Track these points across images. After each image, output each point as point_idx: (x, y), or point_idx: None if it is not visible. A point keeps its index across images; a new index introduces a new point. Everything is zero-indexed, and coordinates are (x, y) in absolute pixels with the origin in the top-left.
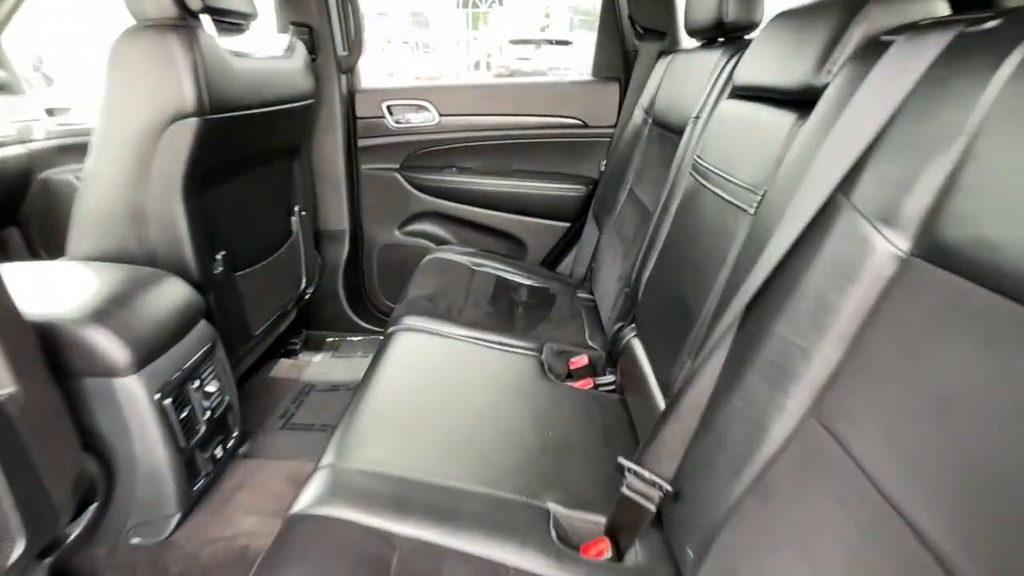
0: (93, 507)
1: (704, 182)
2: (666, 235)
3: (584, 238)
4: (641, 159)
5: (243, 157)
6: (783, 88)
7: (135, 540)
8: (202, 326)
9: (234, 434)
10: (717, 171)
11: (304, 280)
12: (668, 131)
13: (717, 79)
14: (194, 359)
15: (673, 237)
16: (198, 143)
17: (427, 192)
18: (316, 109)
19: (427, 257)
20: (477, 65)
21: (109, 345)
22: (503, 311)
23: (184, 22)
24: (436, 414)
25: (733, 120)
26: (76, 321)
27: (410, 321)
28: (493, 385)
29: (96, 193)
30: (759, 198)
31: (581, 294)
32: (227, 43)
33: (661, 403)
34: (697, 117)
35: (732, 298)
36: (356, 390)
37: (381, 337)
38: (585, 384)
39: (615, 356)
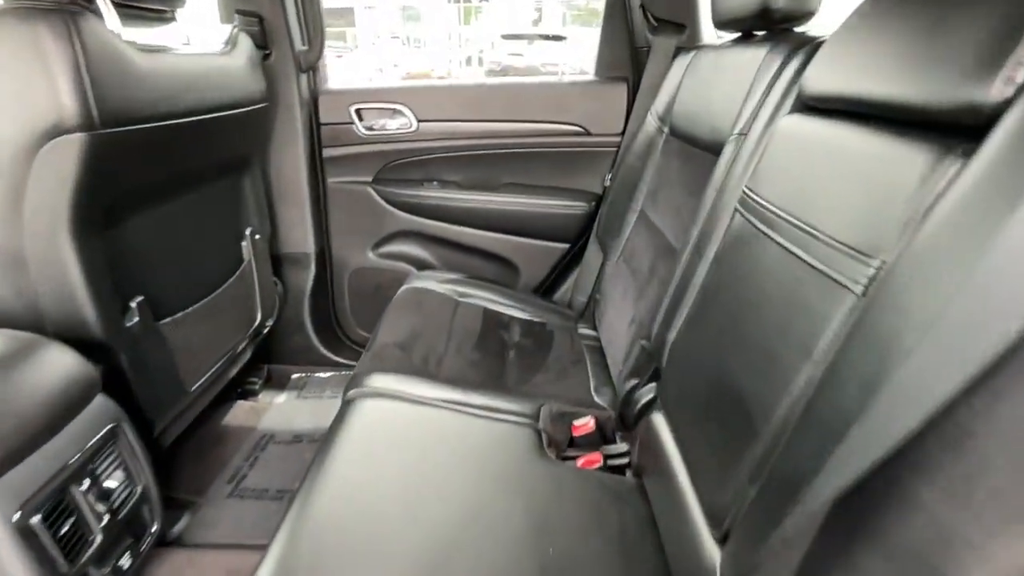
0: None
1: (763, 228)
2: (702, 286)
3: (585, 263)
4: (656, 176)
5: (168, 178)
6: (914, 106)
7: None
8: (98, 405)
9: (152, 529)
10: (788, 217)
11: (260, 313)
12: (694, 146)
13: (770, 86)
14: (83, 452)
15: (714, 292)
16: (87, 166)
17: (404, 209)
18: (271, 114)
19: (403, 287)
20: (469, 61)
21: None
22: (492, 357)
23: (63, 5)
24: (403, 527)
25: (807, 144)
26: None
27: (376, 381)
28: (478, 474)
29: None
30: (872, 271)
31: (583, 329)
32: (138, 35)
33: (698, 518)
34: (743, 134)
35: (831, 418)
36: (301, 488)
37: (353, 373)
38: (592, 460)
39: (628, 420)
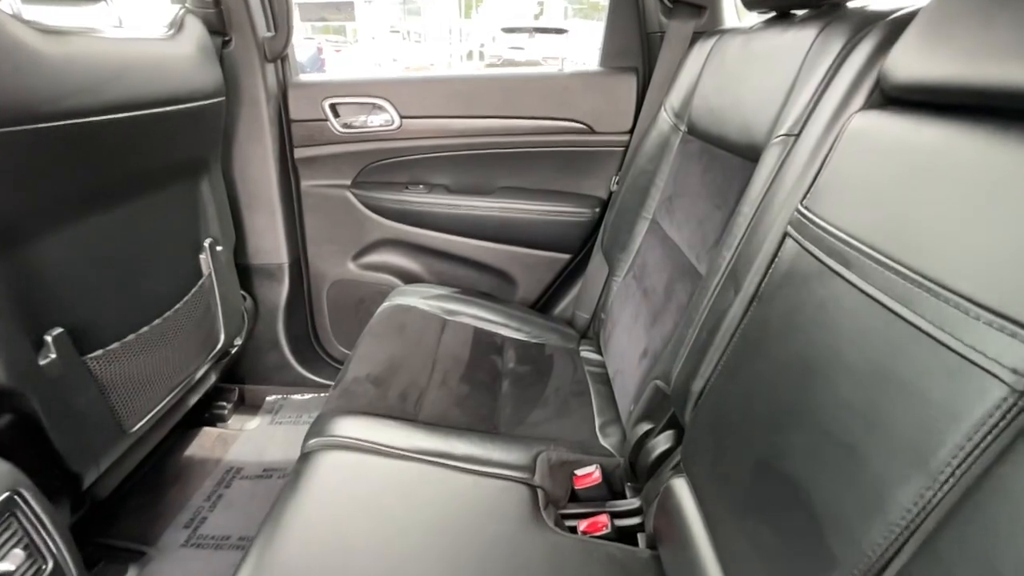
0: None
1: (833, 264)
2: (741, 328)
3: (589, 276)
4: (672, 183)
5: (95, 186)
6: None
7: None
8: None
9: None
10: (875, 254)
11: (224, 333)
12: (720, 148)
13: (831, 74)
14: None
15: (759, 339)
16: None
17: (387, 215)
18: (232, 110)
19: (384, 305)
20: (470, 55)
21: None
22: (482, 391)
23: None
24: None
25: (901, 152)
26: None
27: (342, 427)
28: (461, 548)
29: None
30: None
31: (586, 351)
32: (51, 16)
33: None
34: (792, 136)
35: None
36: (245, 561)
37: (318, 414)
38: (598, 525)
39: (640, 471)
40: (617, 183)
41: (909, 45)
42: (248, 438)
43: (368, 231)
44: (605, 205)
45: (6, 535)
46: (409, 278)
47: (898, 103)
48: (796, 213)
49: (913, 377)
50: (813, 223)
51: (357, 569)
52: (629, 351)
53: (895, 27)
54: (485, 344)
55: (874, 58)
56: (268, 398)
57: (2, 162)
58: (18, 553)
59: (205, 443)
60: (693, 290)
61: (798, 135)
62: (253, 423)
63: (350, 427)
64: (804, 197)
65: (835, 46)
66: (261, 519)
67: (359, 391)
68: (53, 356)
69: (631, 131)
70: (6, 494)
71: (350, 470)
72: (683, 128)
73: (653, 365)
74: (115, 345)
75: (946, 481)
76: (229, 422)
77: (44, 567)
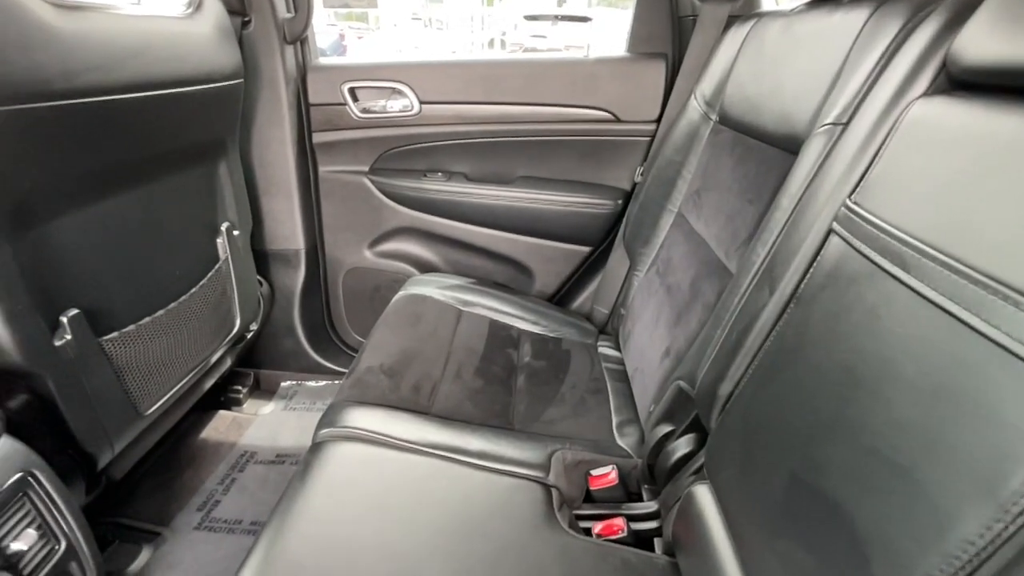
0: None
1: (887, 265)
2: (777, 330)
3: (609, 270)
4: (701, 175)
5: (111, 167)
6: None
7: None
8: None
9: None
10: (940, 256)
11: (240, 318)
12: (754, 138)
13: (887, 58)
14: None
15: (799, 345)
16: None
17: (405, 203)
18: (251, 92)
19: (399, 294)
20: (492, 43)
21: None
22: (497, 385)
23: None
24: None
25: (973, 142)
26: None
27: (354, 418)
28: (472, 548)
29: None
30: None
31: (604, 347)
32: None
33: None
34: (840, 124)
35: None
36: (256, 547)
37: (329, 404)
38: (614, 528)
39: (659, 475)
40: (642, 174)
41: (984, 23)
42: (262, 423)
43: (385, 218)
44: (628, 197)
45: (19, 515)
46: (425, 267)
47: (968, 88)
48: (843, 208)
49: (983, 394)
50: (864, 219)
51: (365, 566)
52: (650, 349)
53: (964, 4)
54: (501, 337)
55: (940, 38)
56: (283, 384)
57: (17, 140)
58: (31, 533)
59: (220, 427)
60: (721, 288)
61: (847, 124)
62: (267, 408)
63: (362, 418)
64: (853, 191)
65: (892, 27)
66: (274, 505)
67: (372, 382)
68: (68, 337)
69: (658, 120)
70: (19, 475)
71: (361, 462)
72: (714, 117)
73: (676, 365)
74: (131, 327)
75: (1020, 514)
76: (244, 406)
77: (57, 547)
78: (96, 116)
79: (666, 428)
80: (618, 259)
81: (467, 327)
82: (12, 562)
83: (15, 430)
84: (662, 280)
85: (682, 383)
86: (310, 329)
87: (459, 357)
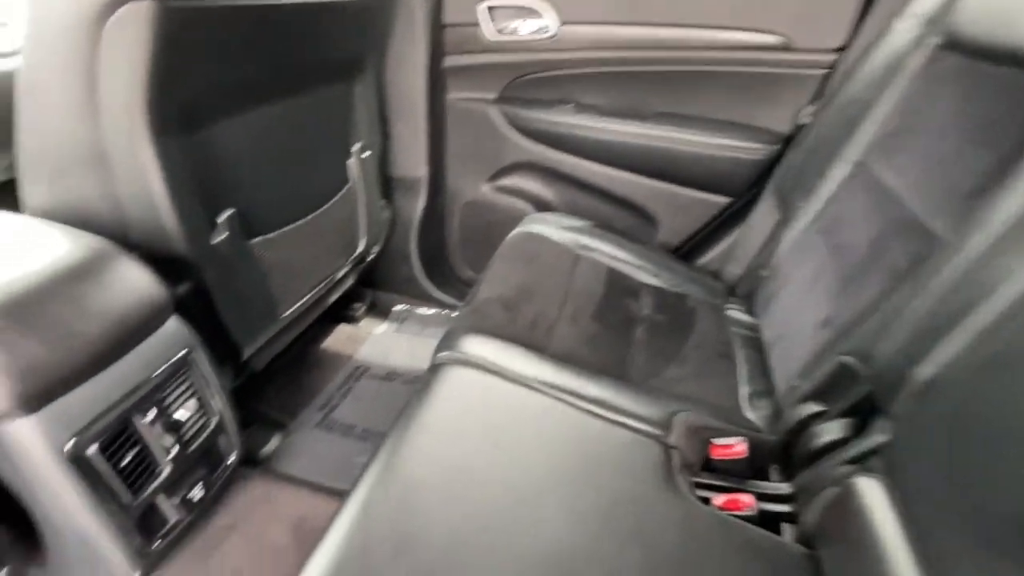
0: (3, 572)
1: None
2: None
3: (750, 226)
4: (899, 114)
5: (265, 76)
6: None
7: None
8: (168, 330)
9: (229, 460)
10: None
11: (364, 239)
12: (1003, 64)
13: None
14: (149, 380)
15: None
16: (159, 45)
17: (531, 135)
18: (388, 10)
19: (516, 231)
20: None
21: None
22: (615, 333)
23: None
24: (483, 552)
25: None
26: None
27: (472, 345)
28: (586, 498)
29: (35, 120)
30: None
31: (734, 311)
32: None
33: None
34: None
35: None
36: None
37: (456, 312)
38: (740, 503)
39: (798, 457)
40: (810, 115)
41: None
42: (376, 341)
43: (507, 151)
44: (786, 142)
45: (184, 386)
46: (543, 206)
47: None
48: None
49: None
50: None
51: (477, 494)
52: (801, 317)
53: None
54: (620, 286)
55: None
56: (395, 307)
57: (197, 39)
58: (192, 404)
59: (338, 340)
60: (916, 252)
61: None
62: (381, 328)
63: (480, 347)
64: None
65: None
66: (384, 416)
67: (489, 312)
68: (225, 235)
69: (841, 48)
70: (185, 351)
71: (478, 390)
72: (936, 40)
73: (838, 337)
74: (274, 234)
75: None
76: (360, 324)
77: (210, 420)
78: (264, 21)
79: (815, 407)
80: (764, 213)
81: (584, 272)
82: (176, 427)
83: (181, 314)
84: (826, 239)
85: (848, 359)
86: (425, 257)
87: (576, 301)
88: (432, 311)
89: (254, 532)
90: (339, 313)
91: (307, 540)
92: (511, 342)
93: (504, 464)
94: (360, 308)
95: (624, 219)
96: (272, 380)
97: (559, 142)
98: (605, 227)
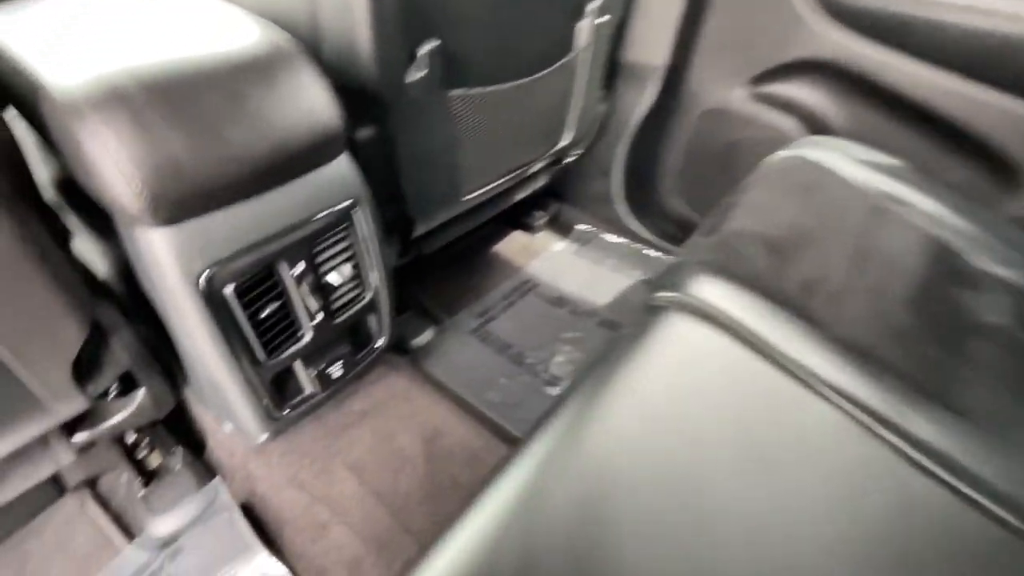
0: (141, 392)
1: None
2: None
3: None
4: None
5: None
6: None
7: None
8: (337, 169)
9: (376, 344)
10: None
11: (572, 133)
12: None
13: None
14: (304, 225)
15: None
16: None
17: (846, 18)
18: None
19: (785, 153)
20: None
21: (101, 153)
22: (941, 338)
23: None
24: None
25: None
26: (64, 91)
27: (710, 291)
28: None
29: None
30: None
31: None
32: None
33: None
34: None
35: None
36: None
37: (658, 253)
38: None
39: None
40: None
41: None
42: (551, 257)
43: (796, 40)
44: None
45: (342, 246)
46: (819, 128)
47: None
48: None
49: None
50: None
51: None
52: None
53: None
54: (946, 267)
55: None
56: (578, 226)
57: None
58: (347, 269)
59: (512, 246)
60: None
61: None
62: (559, 245)
63: (721, 296)
64: None
65: None
66: (540, 346)
67: (746, 252)
68: (423, 73)
69: None
70: (350, 201)
71: (716, 360)
72: None
73: None
74: (475, 90)
75: None
76: (538, 235)
77: (364, 294)
78: None
79: None
80: None
81: (891, 234)
82: (325, 292)
83: (358, 159)
84: None
85: None
86: (630, 176)
87: (878, 273)
88: (621, 240)
89: (386, 430)
90: (518, 218)
91: (436, 457)
92: (775, 302)
93: (751, 486)
94: (542, 218)
95: (957, 169)
96: (435, 271)
97: (894, 32)
98: (928, 174)
